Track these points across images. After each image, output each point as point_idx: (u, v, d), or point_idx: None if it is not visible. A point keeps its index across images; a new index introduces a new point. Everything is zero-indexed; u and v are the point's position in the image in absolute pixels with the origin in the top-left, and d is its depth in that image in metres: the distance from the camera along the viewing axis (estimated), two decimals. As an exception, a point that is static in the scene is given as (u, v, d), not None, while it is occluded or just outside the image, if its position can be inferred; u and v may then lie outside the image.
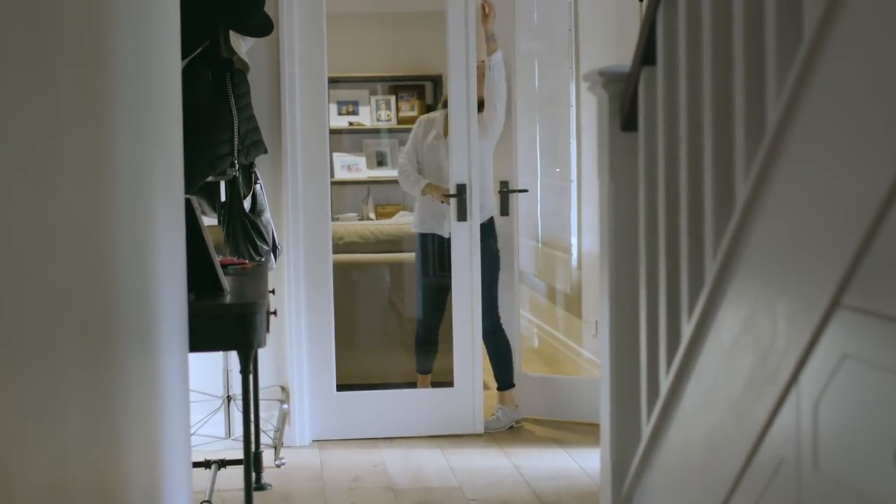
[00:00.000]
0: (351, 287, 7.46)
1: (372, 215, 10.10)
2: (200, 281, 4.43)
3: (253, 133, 5.91)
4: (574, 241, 7.48)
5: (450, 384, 6.57)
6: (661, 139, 3.43)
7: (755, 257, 2.74)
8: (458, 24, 6.38)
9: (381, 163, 10.63)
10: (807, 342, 2.47)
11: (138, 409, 2.96)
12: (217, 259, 4.60)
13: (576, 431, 6.51)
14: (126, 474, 2.74)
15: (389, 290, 7.85)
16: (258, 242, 5.81)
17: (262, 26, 5.83)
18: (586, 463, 5.86)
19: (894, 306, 2.14)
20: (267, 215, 5.95)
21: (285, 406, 6.30)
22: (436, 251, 6.84)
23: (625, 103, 3.72)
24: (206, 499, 4.97)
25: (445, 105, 6.63)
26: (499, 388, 6.72)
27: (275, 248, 5.97)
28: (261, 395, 5.87)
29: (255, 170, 5.93)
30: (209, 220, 5.77)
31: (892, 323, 2.15)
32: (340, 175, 10.34)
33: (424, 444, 6.33)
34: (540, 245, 7.65)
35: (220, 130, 5.75)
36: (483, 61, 6.56)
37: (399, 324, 7.77)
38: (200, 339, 4.26)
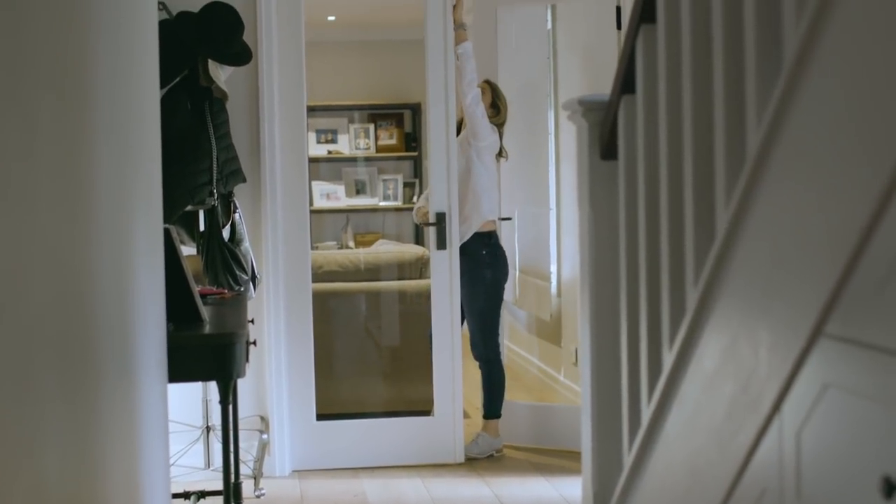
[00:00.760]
0: (330, 316, 7.44)
1: (351, 244, 10.09)
2: (179, 311, 4.40)
3: (232, 162, 5.90)
4: (553, 268, 7.48)
5: (429, 413, 6.55)
6: (641, 167, 3.43)
7: (737, 285, 2.74)
8: (437, 53, 6.39)
9: (359, 191, 10.62)
10: (789, 370, 2.46)
11: (117, 439, 2.93)
12: (196, 289, 4.57)
13: (557, 458, 6.49)
14: (105, 506, 2.71)
15: (368, 319, 7.83)
16: (237, 272, 5.79)
17: (240, 55, 5.83)
18: (568, 491, 5.84)
19: (876, 335, 2.14)
20: (246, 244, 5.94)
21: (265, 436, 6.27)
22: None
23: (604, 132, 3.72)
24: (186, 530, 4.94)
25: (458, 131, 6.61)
26: (484, 416, 6.69)
27: (254, 278, 5.95)
28: (240, 425, 5.84)
29: (234, 199, 5.91)
30: (188, 250, 5.75)
31: (873, 351, 2.15)
32: (319, 203, 10.33)
33: (405, 473, 6.30)
34: (518, 273, 7.64)
35: (199, 159, 5.74)
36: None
37: (378, 353, 7.75)
38: (180, 370, 4.24)
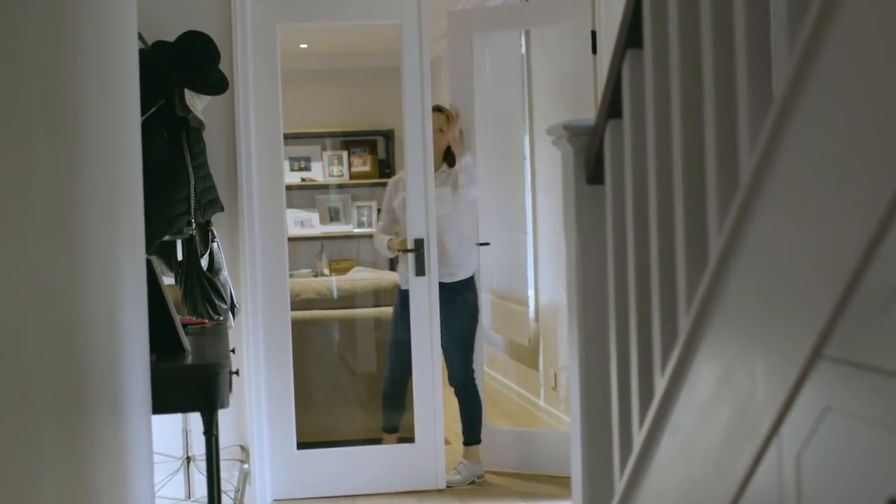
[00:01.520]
0: (308, 344, 7.41)
1: (326, 271, 10.06)
2: (161, 341, 4.38)
3: (209, 191, 5.88)
4: (531, 293, 7.47)
5: (411, 440, 6.52)
6: (629, 192, 3.43)
7: (731, 310, 2.73)
8: (414, 80, 6.39)
9: (333, 218, 10.61)
10: (787, 395, 2.45)
11: (108, 472, 2.91)
12: (178, 319, 4.55)
13: (540, 484, 6.47)
14: (99, 543, 2.69)
15: (345, 347, 7.80)
16: (216, 301, 5.76)
17: (217, 84, 5.81)
18: (551, 517, 5.84)
19: (878, 357, 2.14)
20: (225, 274, 5.91)
21: (245, 466, 6.23)
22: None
23: (590, 157, 3.72)
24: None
25: None
26: (464, 443, 6.69)
27: (233, 307, 5.93)
28: (221, 455, 5.80)
29: (212, 228, 5.89)
30: (166, 280, 5.72)
31: (875, 374, 2.15)
32: (294, 231, 10.31)
33: (386, 500, 6.27)
34: (495, 298, 7.64)
35: (177, 189, 5.71)
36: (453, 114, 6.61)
37: (355, 381, 7.73)
38: (164, 401, 4.21)
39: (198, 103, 5.78)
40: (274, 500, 6.34)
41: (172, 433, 5.97)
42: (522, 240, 7.42)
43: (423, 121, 6.39)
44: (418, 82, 6.38)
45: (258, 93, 6.28)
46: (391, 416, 6.83)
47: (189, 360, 4.48)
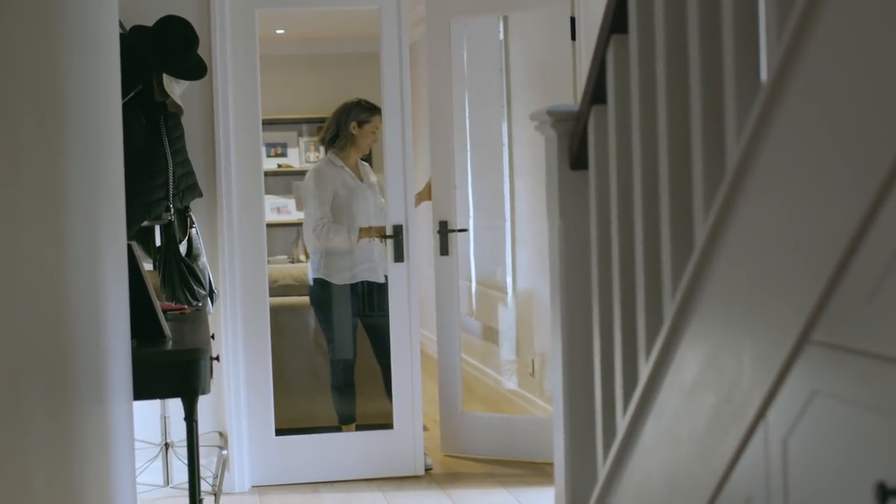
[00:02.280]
0: (286, 331, 7.40)
1: (302, 257, 10.05)
2: (141, 327, 4.36)
3: (188, 177, 5.86)
4: (509, 280, 7.48)
5: (390, 426, 6.52)
6: (613, 178, 3.44)
7: (717, 295, 2.74)
8: (393, 66, 6.37)
9: (310, 204, 10.57)
10: (774, 379, 2.47)
11: (93, 458, 2.92)
12: (159, 305, 4.54)
13: (518, 469, 6.49)
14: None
15: (321, 333, 7.79)
16: (195, 287, 5.75)
17: (195, 69, 5.78)
18: (530, 502, 5.84)
19: (865, 341, 2.15)
20: (203, 259, 5.90)
21: (224, 452, 6.22)
22: (367, 295, 6.86)
23: (574, 142, 3.72)
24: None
25: (328, 148, 6.89)
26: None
27: (211, 293, 5.91)
28: (200, 442, 5.79)
29: (191, 213, 5.88)
30: (145, 266, 5.70)
31: (863, 358, 2.16)
32: (270, 217, 10.27)
33: (365, 486, 6.28)
34: (475, 285, 7.64)
35: (155, 175, 5.70)
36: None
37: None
38: (145, 387, 4.21)
39: (176, 88, 5.76)
40: (252, 486, 6.33)
41: (151, 419, 5.95)
42: (501, 226, 7.42)
43: (401, 107, 6.38)
44: (397, 68, 6.37)
45: (237, 78, 6.26)
46: (345, 405, 6.90)
47: (170, 345, 4.47)
